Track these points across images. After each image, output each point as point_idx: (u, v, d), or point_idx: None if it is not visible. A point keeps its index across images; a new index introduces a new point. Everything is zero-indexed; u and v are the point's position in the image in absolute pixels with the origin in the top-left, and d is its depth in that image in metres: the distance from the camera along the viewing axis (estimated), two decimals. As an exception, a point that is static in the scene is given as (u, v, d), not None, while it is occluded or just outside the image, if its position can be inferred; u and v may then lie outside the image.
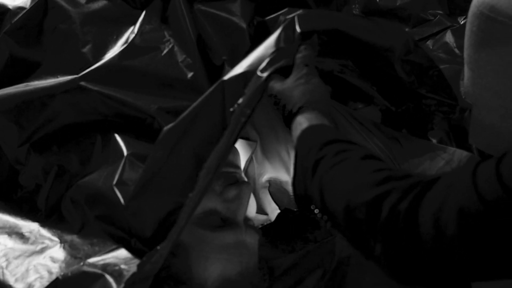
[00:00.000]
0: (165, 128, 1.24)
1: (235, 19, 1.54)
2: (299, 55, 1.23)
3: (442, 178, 0.83)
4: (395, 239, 0.82)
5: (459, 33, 1.91)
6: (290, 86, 1.18)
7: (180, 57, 1.48)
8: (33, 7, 1.55)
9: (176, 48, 1.49)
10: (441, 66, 1.78)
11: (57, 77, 1.48)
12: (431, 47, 1.90)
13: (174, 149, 1.24)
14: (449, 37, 1.93)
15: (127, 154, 1.35)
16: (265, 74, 1.18)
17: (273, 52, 1.21)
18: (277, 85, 1.19)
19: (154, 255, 1.15)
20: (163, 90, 1.46)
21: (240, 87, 1.21)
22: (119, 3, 1.57)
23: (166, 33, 1.51)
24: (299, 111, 1.13)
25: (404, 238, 0.81)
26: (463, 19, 1.94)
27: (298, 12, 1.32)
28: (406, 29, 1.94)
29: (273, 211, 1.48)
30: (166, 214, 1.21)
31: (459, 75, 1.81)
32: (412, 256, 0.81)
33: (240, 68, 1.24)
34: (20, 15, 1.55)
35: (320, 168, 0.98)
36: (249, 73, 1.21)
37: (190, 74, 1.45)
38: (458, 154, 1.60)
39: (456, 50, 1.88)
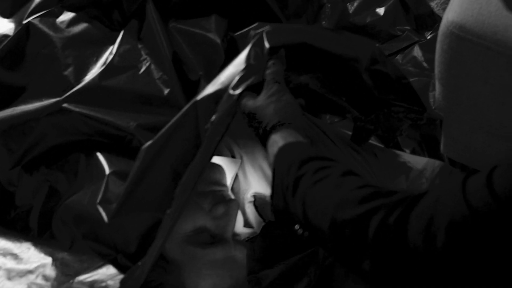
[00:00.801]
0: (143, 146, 1.25)
1: (209, 35, 1.56)
2: (268, 71, 1.23)
3: (429, 192, 0.84)
4: (384, 254, 0.83)
5: (426, 47, 1.96)
6: (263, 104, 1.18)
7: (157, 74, 1.49)
8: (16, 34, 1.57)
9: (152, 66, 1.50)
10: (411, 79, 1.83)
11: (42, 101, 1.49)
12: (400, 62, 1.95)
13: (152, 166, 1.26)
14: (417, 51, 1.97)
15: (109, 173, 1.37)
16: (236, 92, 1.19)
17: (243, 69, 1.22)
18: (249, 103, 1.19)
19: (136, 271, 1.17)
20: (142, 107, 1.48)
21: (212, 105, 1.22)
22: (98, 26, 1.59)
23: (143, 52, 1.52)
24: (273, 129, 1.13)
25: (393, 253, 0.82)
26: (430, 34, 2.01)
27: (267, 27, 1.34)
28: (377, 45, 1.91)
29: (259, 224, 1.50)
30: (147, 230, 1.22)
31: (428, 87, 1.85)
32: (402, 270, 0.82)
33: (212, 86, 1.25)
34: (5, 42, 1.55)
35: (302, 186, 0.98)
36: (221, 91, 1.21)
37: (166, 91, 1.47)
38: (431, 164, 1.64)
39: (424, 64, 1.94)
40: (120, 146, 1.46)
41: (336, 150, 1.51)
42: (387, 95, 1.40)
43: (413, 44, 1.98)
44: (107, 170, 1.38)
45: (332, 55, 1.30)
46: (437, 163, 1.65)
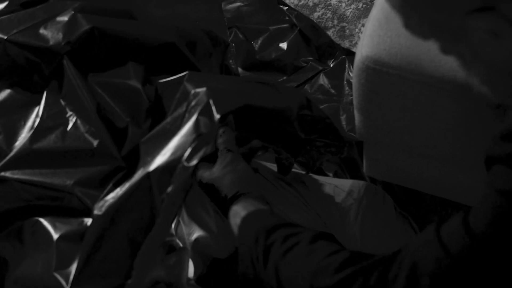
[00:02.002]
0: (95, 213, 1.24)
1: (129, 82, 1.54)
2: (220, 141, 1.22)
3: (403, 250, 0.85)
4: None
5: (331, 75, 2.03)
6: (219, 176, 1.16)
7: (84, 128, 1.47)
8: None
9: (79, 121, 1.48)
10: (321, 106, 1.91)
11: None
12: (309, 91, 2.02)
13: (107, 234, 1.24)
14: (323, 79, 2.03)
15: (57, 238, 1.36)
16: (191, 164, 1.19)
17: (194, 140, 1.22)
18: (205, 175, 1.18)
19: None
20: (74, 163, 1.45)
21: (167, 177, 1.21)
22: (20, 91, 1.56)
23: (67, 109, 1.50)
24: (233, 200, 1.12)
25: None
26: (332, 62, 2.08)
27: (204, 89, 1.33)
28: (284, 77, 2.03)
29: (206, 263, 1.52)
30: None
31: (338, 112, 1.93)
32: None
33: (162, 156, 1.24)
34: None
35: (272, 256, 0.97)
36: (174, 161, 1.21)
37: (96, 142, 1.45)
38: (356, 184, 1.67)
39: (332, 90, 2.02)
40: (61, 207, 1.43)
41: (272, 188, 1.53)
42: (311, 135, 1.43)
43: (318, 73, 2.04)
44: (54, 236, 1.37)
45: (270, 110, 1.34)
46: (361, 183, 1.69)
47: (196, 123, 1.25)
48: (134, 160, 1.41)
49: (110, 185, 1.41)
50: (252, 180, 1.17)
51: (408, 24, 0.87)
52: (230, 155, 1.19)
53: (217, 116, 1.24)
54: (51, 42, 1.54)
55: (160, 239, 1.25)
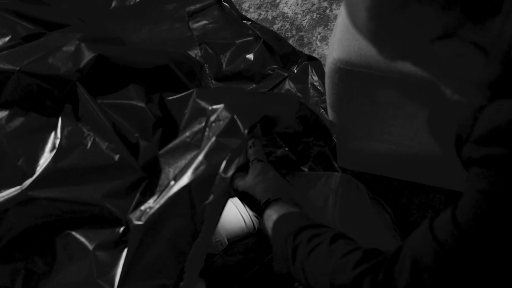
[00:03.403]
0: (135, 224, 1.36)
1: (133, 102, 1.60)
2: (250, 152, 1.33)
3: (404, 246, 0.92)
4: None
5: (296, 79, 2.10)
6: (252, 184, 1.27)
7: (103, 145, 1.52)
8: None
9: (97, 139, 1.53)
10: None
11: (1, 191, 1.49)
12: None
13: (149, 241, 1.35)
14: (289, 84, 2.09)
15: (93, 248, 1.43)
16: (228, 175, 1.30)
17: (227, 153, 1.32)
18: (240, 184, 1.28)
19: None
20: (99, 177, 1.49)
21: (206, 187, 1.32)
22: (35, 116, 1.60)
23: (84, 130, 1.55)
24: (266, 205, 1.21)
25: None
26: (296, 68, 2.12)
27: (222, 105, 1.43)
28: (254, 85, 2.09)
29: None
30: None
31: None
32: None
33: (196, 168, 1.34)
34: None
35: (299, 255, 1.05)
36: (211, 173, 1.32)
37: (116, 157, 1.50)
38: (330, 176, 1.78)
39: (298, 93, 2.06)
40: (91, 220, 1.48)
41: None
42: (305, 131, 1.54)
43: (284, 79, 2.10)
44: (90, 246, 1.44)
45: (278, 116, 1.45)
46: (335, 174, 1.79)
47: (222, 138, 1.36)
48: (152, 170, 1.51)
49: (138, 195, 1.47)
50: (281, 185, 1.27)
51: (382, 52, 0.92)
52: (260, 165, 1.31)
53: (245, 130, 1.35)
54: (62, 70, 1.59)
55: (206, 244, 1.34)
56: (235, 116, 1.38)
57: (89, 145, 1.55)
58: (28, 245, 1.50)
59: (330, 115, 1.59)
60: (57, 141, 1.56)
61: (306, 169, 1.89)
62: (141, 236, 1.36)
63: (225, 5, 2.32)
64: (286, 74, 2.13)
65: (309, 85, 2.09)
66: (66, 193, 1.49)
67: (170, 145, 1.51)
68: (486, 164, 0.84)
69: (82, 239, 1.47)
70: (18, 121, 1.61)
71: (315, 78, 2.09)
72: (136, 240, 1.36)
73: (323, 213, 1.71)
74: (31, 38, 1.74)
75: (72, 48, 1.64)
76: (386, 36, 0.88)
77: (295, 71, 2.15)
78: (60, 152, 1.54)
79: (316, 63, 2.15)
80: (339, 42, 1.38)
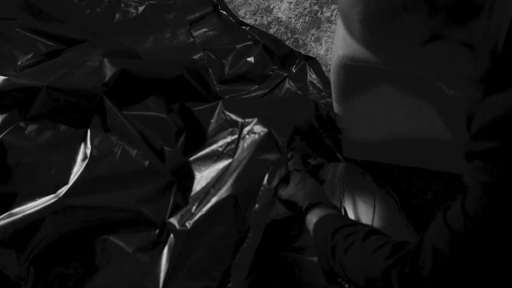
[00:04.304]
0: (179, 228, 1.42)
1: (154, 113, 1.66)
2: (290, 163, 1.46)
3: (424, 237, 0.96)
4: None
5: (295, 79, 2.14)
6: (293, 193, 1.39)
7: (133, 153, 1.56)
8: None
9: (126, 147, 1.57)
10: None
11: (36, 200, 1.53)
12: (280, 94, 2.12)
13: (193, 246, 1.42)
14: (289, 83, 2.14)
15: (133, 251, 1.48)
16: (272, 186, 1.40)
17: (268, 166, 1.42)
18: (283, 193, 1.41)
19: None
20: (131, 183, 1.53)
21: (251, 197, 1.42)
22: (64, 128, 1.64)
23: (113, 139, 1.59)
24: (307, 210, 1.32)
25: None
26: (294, 67, 2.16)
27: (256, 119, 1.52)
28: (256, 86, 2.14)
29: None
30: None
31: None
32: None
33: (238, 179, 1.42)
34: None
35: (337, 253, 1.13)
36: (256, 184, 1.42)
37: (146, 163, 1.54)
38: (336, 166, 1.84)
39: (298, 91, 2.09)
40: (126, 224, 1.53)
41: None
42: (321, 127, 1.64)
43: (284, 79, 2.14)
44: (129, 249, 1.49)
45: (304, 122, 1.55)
46: (341, 164, 1.85)
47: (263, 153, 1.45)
48: (182, 175, 1.57)
49: (172, 199, 1.52)
50: (319, 192, 1.39)
51: (378, 57, 1.00)
52: (299, 175, 1.43)
53: (284, 145, 1.45)
54: (89, 85, 1.65)
55: (252, 250, 1.42)
56: (272, 131, 1.47)
57: (119, 153, 1.59)
58: (65, 251, 1.53)
59: (336, 108, 1.63)
60: (88, 151, 1.59)
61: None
62: (186, 240, 1.42)
63: (222, 12, 2.39)
64: (285, 74, 2.18)
65: (308, 83, 2.13)
66: (101, 200, 1.52)
67: (200, 153, 1.57)
68: (483, 157, 0.88)
69: (120, 243, 1.51)
70: (47, 134, 1.65)
71: (314, 76, 2.15)
72: (180, 244, 1.42)
73: (332, 200, 1.75)
74: (53, 54, 1.79)
75: (96, 63, 1.69)
76: (379, 44, 0.93)
77: (294, 71, 2.19)
78: (92, 161, 1.57)
79: (313, 62, 2.19)
80: (342, 40, 1.42)
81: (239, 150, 1.49)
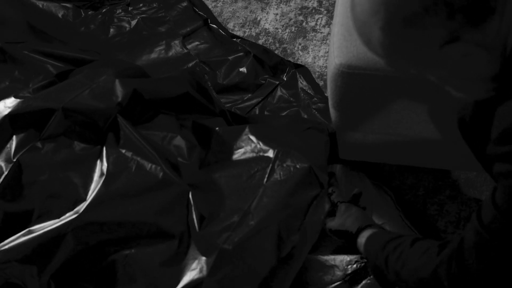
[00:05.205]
0: (222, 247, 1.44)
1: (165, 132, 1.71)
2: (332, 197, 1.60)
3: (465, 236, 0.99)
4: None
5: (287, 86, 2.20)
6: (342, 222, 1.52)
7: (148, 166, 1.58)
8: (9, 171, 1.56)
9: (141, 162, 1.59)
10: (284, 112, 2.10)
11: (55, 217, 1.51)
12: (273, 102, 2.17)
13: (233, 265, 1.45)
14: (281, 91, 2.19)
15: (158, 264, 1.49)
16: (315, 219, 1.52)
17: (310, 199, 1.52)
18: (332, 224, 1.54)
19: None
20: (149, 196, 1.55)
21: (292, 227, 1.51)
22: (79, 146, 1.65)
23: (127, 155, 1.62)
24: (357, 234, 1.46)
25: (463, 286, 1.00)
26: (285, 76, 2.22)
27: (291, 151, 1.63)
28: (249, 95, 2.18)
29: None
30: None
31: (299, 114, 2.10)
32: None
33: (278, 209, 1.51)
34: (0, 180, 1.54)
35: (390, 264, 1.21)
36: (295, 216, 1.51)
37: (161, 174, 1.57)
38: (333, 168, 1.88)
39: (290, 98, 2.15)
40: (146, 238, 1.53)
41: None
42: None
43: (276, 87, 2.20)
44: (154, 263, 1.49)
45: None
46: (338, 166, 1.89)
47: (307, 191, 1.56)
48: (197, 186, 1.61)
49: (193, 209, 1.56)
50: (364, 216, 1.52)
51: (394, 65, 1.00)
52: (343, 206, 1.56)
53: (325, 181, 1.56)
54: (104, 105, 1.68)
55: (291, 277, 1.51)
56: (312, 166, 1.58)
57: (134, 168, 1.61)
58: (85, 266, 1.51)
59: (333, 113, 1.66)
60: (105, 168, 1.60)
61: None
62: (228, 259, 1.45)
63: (212, 26, 2.44)
64: (277, 82, 2.23)
65: (299, 90, 2.18)
66: (120, 215, 1.53)
67: (228, 171, 1.64)
68: (505, 159, 0.91)
69: (144, 258, 1.50)
70: (64, 152, 1.65)
71: (304, 83, 2.20)
72: (221, 262, 1.45)
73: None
74: (63, 74, 1.83)
75: (109, 84, 1.73)
76: (401, 49, 0.93)
77: (285, 79, 2.24)
78: (109, 177, 1.58)
79: (303, 70, 2.24)
80: (338, 49, 1.44)
81: (272, 178, 1.57)
